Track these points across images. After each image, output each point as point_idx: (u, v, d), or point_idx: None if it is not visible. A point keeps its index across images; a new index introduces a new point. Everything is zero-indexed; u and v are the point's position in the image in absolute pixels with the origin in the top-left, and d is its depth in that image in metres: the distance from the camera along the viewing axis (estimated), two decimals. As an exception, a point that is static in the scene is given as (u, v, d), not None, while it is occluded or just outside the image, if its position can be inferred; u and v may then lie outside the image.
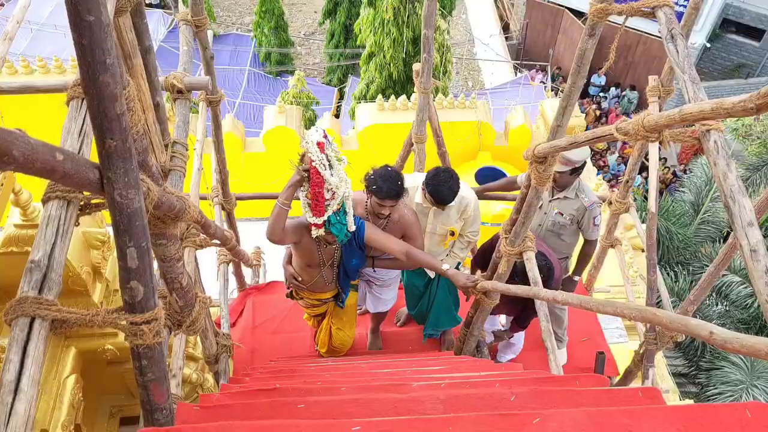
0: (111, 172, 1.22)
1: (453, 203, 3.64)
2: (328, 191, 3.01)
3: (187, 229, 2.92)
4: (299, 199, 3.18)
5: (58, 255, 1.35)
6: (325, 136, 3.00)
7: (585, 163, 3.90)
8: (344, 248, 3.52)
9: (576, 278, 4.51)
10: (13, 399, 1.15)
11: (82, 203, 1.48)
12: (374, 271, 3.83)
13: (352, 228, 3.27)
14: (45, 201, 1.43)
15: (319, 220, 3.10)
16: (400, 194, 3.36)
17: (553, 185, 4.02)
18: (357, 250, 3.52)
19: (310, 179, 2.99)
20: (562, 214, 4.07)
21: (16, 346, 1.21)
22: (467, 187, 3.87)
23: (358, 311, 4.39)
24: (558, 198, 4.07)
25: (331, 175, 2.98)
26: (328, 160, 2.98)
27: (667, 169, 14.69)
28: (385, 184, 3.29)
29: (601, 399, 1.86)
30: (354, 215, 3.30)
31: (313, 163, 2.93)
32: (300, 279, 3.68)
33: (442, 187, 3.48)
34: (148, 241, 1.35)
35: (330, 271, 3.65)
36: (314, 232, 3.19)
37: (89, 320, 1.32)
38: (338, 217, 3.16)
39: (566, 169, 3.84)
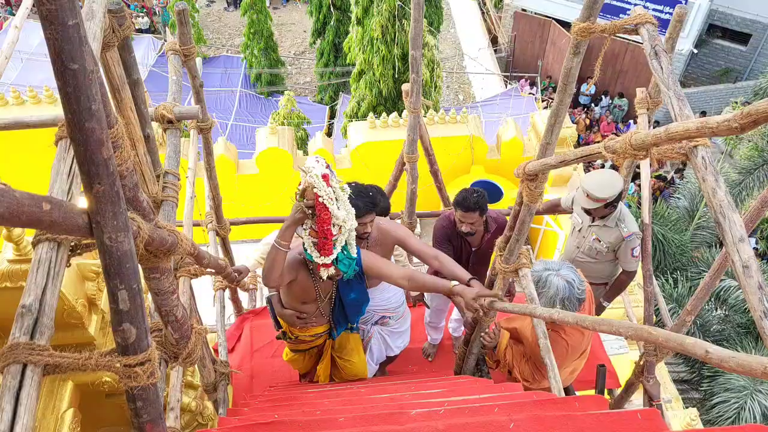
0: (100, 216, 1.21)
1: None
2: (335, 227, 2.76)
3: (182, 258, 2.91)
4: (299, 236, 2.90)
5: (49, 299, 1.34)
6: (327, 166, 2.73)
7: (621, 195, 3.75)
8: (340, 281, 3.19)
9: (605, 304, 4.40)
10: (7, 449, 1.13)
11: (72, 244, 1.47)
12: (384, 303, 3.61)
13: (356, 255, 3.00)
14: (35, 243, 1.42)
15: (329, 260, 2.83)
16: (375, 203, 3.17)
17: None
18: (355, 282, 3.22)
19: (315, 216, 2.71)
20: (600, 241, 3.96)
21: (9, 395, 1.20)
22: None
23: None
24: (597, 224, 3.96)
25: (338, 208, 2.72)
26: (335, 193, 2.72)
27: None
28: (360, 200, 3.06)
29: (600, 423, 1.85)
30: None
31: (320, 199, 2.65)
32: (304, 316, 3.34)
33: None
34: (140, 283, 1.34)
35: (328, 306, 3.35)
36: (323, 273, 2.91)
37: (82, 364, 1.31)
38: (345, 252, 2.89)
39: (597, 205, 3.72)
